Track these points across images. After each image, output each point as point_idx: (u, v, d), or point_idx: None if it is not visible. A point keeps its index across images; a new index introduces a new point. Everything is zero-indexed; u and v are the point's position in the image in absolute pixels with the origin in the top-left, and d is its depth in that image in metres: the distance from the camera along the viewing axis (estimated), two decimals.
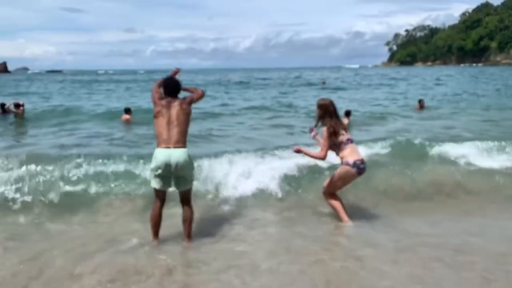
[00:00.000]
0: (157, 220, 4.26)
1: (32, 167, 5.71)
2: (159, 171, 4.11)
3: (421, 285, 3.40)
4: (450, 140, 7.83)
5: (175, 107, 4.20)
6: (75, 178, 5.66)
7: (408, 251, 4.04)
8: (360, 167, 4.64)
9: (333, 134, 4.66)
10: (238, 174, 5.91)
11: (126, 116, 12.08)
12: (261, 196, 5.67)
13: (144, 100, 20.59)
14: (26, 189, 5.40)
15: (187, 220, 4.29)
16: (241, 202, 5.50)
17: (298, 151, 4.85)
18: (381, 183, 6.01)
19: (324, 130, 4.71)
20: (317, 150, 4.87)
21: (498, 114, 13.74)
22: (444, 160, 6.84)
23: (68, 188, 5.52)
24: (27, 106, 13.79)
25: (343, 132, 4.74)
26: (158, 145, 4.14)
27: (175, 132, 4.12)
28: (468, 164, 6.65)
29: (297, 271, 3.67)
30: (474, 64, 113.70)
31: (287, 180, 5.94)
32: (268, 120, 12.87)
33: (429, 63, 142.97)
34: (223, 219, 5.03)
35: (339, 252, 4.21)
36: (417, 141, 7.43)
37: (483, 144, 7.27)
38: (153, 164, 4.14)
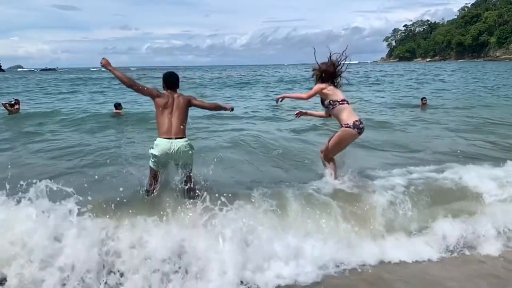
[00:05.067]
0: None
1: None
2: (159, 158, 4.38)
3: None
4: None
5: (175, 99, 4.48)
6: None
7: None
8: (359, 127, 4.84)
9: (324, 90, 4.88)
10: None
11: (117, 111, 12.75)
12: None
13: (134, 97, 20.16)
14: None
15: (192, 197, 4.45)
16: None
17: (281, 99, 4.95)
18: None
19: (318, 84, 4.94)
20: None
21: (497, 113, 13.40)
22: None
23: None
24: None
25: (337, 92, 4.91)
26: (160, 135, 4.40)
27: (175, 123, 4.39)
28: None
29: None
30: (474, 60, 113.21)
31: None
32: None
33: (428, 59, 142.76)
34: None
35: None
36: None
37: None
38: (155, 151, 4.37)
